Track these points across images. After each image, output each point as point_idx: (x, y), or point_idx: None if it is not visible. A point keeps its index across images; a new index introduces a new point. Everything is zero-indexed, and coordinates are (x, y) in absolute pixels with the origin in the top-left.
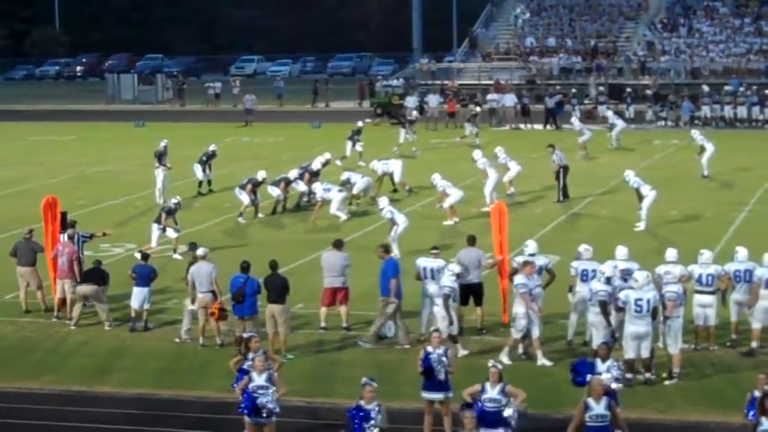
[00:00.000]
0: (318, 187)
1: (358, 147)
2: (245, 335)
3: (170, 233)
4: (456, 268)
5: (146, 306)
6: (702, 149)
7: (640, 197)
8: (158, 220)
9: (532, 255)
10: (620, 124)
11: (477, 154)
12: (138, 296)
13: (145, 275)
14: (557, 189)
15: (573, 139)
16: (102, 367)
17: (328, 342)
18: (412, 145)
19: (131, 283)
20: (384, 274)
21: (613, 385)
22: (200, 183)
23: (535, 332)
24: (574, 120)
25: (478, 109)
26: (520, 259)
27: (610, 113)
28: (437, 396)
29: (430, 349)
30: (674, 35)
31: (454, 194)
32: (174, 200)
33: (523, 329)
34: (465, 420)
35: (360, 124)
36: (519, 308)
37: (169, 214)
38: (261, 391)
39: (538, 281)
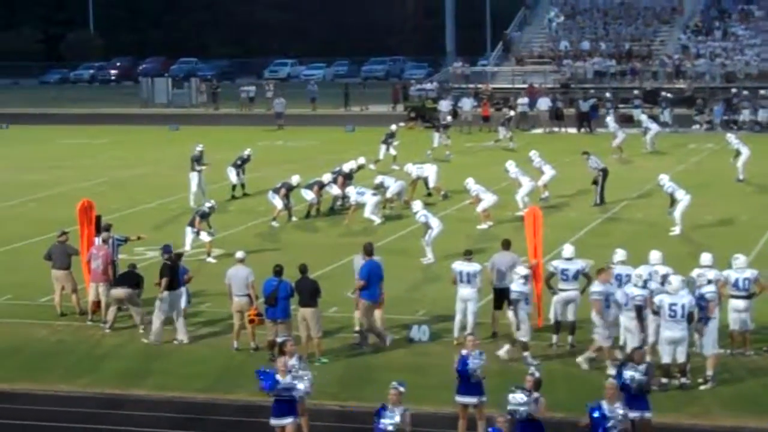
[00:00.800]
0: (351, 191)
1: (392, 150)
2: (279, 339)
3: (204, 237)
4: (523, 270)
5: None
6: (737, 153)
7: (673, 201)
8: (192, 224)
9: (569, 259)
10: (654, 128)
11: (510, 164)
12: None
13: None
14: (595, 192)
15: (607, 143)
16: (136, 370)
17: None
18: (446, 149)
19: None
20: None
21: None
22: (234, 187)
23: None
24: (609, 120)
25: (511, 112)
26: (555, 263)
27: (644, 117)
28: (471, 400)
29: (464, 352)
30: (709, 39)
31: (488, 198)
32: (208, 204)
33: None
34: (498, 423)
35: (393, 127)
36: (596, 316)
37: (203, 217)
38: (287, 394)
39: (575, 285)
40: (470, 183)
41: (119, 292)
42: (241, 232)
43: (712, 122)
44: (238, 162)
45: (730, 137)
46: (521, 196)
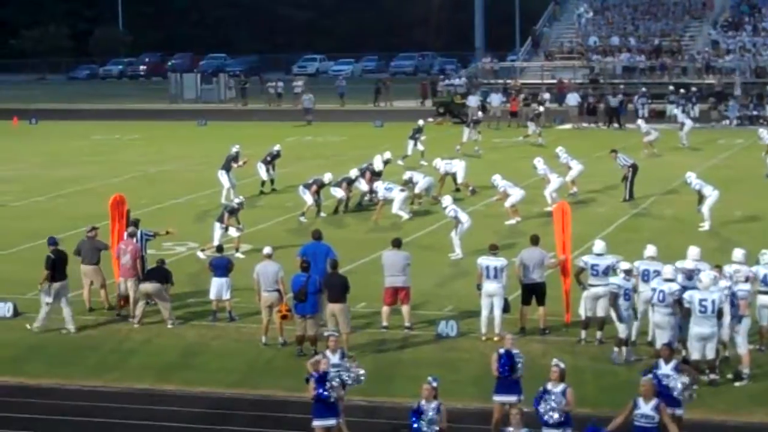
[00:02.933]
0: (380, 187)
1: (420, 146)
2: (326, 334)
3: (232, 232)
4: (625, 265)
5: (226, 296)
6: None
7: (701, 198)
8: (221, 219)
9: (600, 255)
10: (689, 123)
11: (538, 161)
12: (215, 287)
13: (222, 266)
14: (625, 188)
15: (636, 139)
16: (165, 365)
17: (389, 341)
18: (476, 145)
19: (195, 281)
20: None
21: (678, 392)
22: (263, 183)
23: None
24: (641, 122)
25: (541, 108)
26: (585, 258)
27: (678, 112)
28: (511, 398)
29: (502, 350)
30: (739, 34)
31: (515, 194)
32: (237, 200)
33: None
34: (511, 416)
35: (421, 122)
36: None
37: (232, 213)
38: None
39: (605, 281)
40: (497, 179)
41: (148, 286)
42: (270, 226)
43: (729, 118)
44: (268, 158)
45: (762, 132)
46: (549, 192)
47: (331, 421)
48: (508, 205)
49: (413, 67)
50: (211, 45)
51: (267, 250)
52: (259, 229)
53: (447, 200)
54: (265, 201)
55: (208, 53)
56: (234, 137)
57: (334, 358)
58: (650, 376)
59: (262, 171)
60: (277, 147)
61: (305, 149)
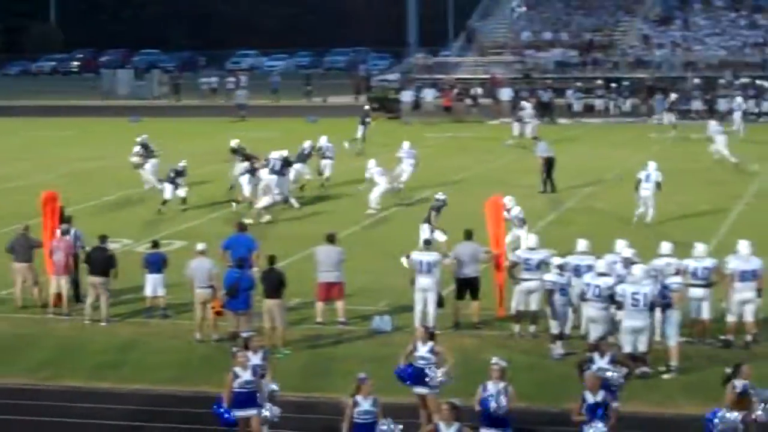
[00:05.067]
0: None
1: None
2: (245, 334)
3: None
4: (558, 260)
5: (160, 293)
6: (712, 140)
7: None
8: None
9: (532, 249)
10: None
11: (371, 163)
12: (150, 283)
13: (156, 262)
14: (541, 180)
15: (566, 133)
16: (99, 362)
17: (324, 337)
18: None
19: (129, 277)
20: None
21: (611, 376)
22: (164, 202)
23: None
24: (526, 110)
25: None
26: (519, 252)
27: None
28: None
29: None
30: (670, 28)
31: (381, 184)
32: (180, 164)
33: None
34: (442, 411)
35: (366, 107)
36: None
37: (178, 175)
38: (249, 386)
39: (538, 275)
40: (371, 164)
41: (95, 279)
42: (203, 224)
43: (655, 111)
44: (171, 175)
45: (712, 124)
46: (375, 196)
47: (251, 411)
48: (375, 195)
49: (347, 62)
50: (145, 41)
51: (200, 246)
52: (192, 226)
53: (372, 163)
54: (198, 197)
55: (142, 49)
56: (167, 133)
57: (256, 359)
58: (595, 369)
59: (167, 191)
60: (182, 163)
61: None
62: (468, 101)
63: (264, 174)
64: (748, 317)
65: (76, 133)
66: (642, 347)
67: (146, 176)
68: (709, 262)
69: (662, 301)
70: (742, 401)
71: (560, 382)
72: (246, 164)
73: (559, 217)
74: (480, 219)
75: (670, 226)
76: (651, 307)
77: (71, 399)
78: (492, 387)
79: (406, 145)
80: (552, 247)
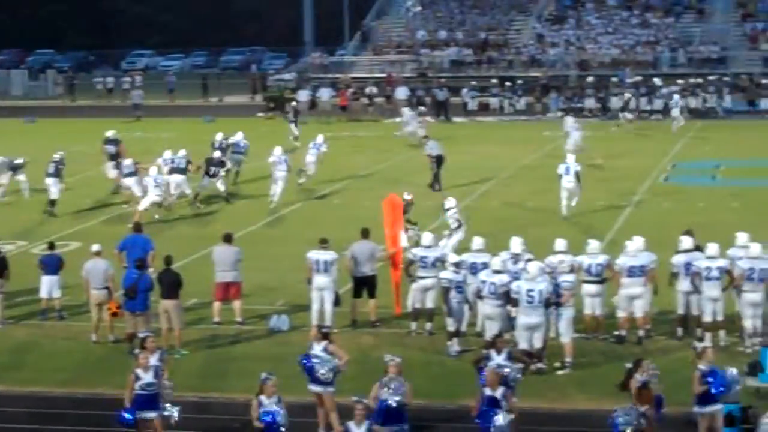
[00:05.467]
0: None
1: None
2: (141, 334)
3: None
4: (454, 258)
5: (56, 294)
6: (568, 135)
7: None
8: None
9: (428, 247)
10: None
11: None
12: (46, 285)
13: (52, 263)
14: (431, 177)
15: (462, 132)
16: None
17: (221, 336)
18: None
19: (24, 279)
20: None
21: (507, 371)
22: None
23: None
24: (405, 110)
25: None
26: (415, 250)
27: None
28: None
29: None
30: (563, 27)
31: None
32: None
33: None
34: (357, 411)
35: (294, 103)
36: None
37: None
38: (150, 389)
39: (434, 273)
40: (277, 151)
41: None
42: (97, 225)
43: (551, 109)
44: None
45: (568, 120)
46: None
47: (152, 414)
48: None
49: (243, 62)
50: (40, 41)
51: (95, 247)
52: (88, 227)
53: (278, 150)
54: (92, 198)
55: (36, 49)
56: (63, 133)
57: (153, 360)
58: (493, 365)
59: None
60: (20, 160)
61: (136, 145)
62: (364, 100)
63: (173, 176)
64: (638, 312)
65: None
66: (537, 344)
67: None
68: (602, 259)
69: (556, 298)
70: (643, 395)
71: (457, 379)
72: (129, 162)
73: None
74: (377, 217)
75: (564, 223)
76: (546, 304)
77: None
78: (388, 381)
79: (278, 150)
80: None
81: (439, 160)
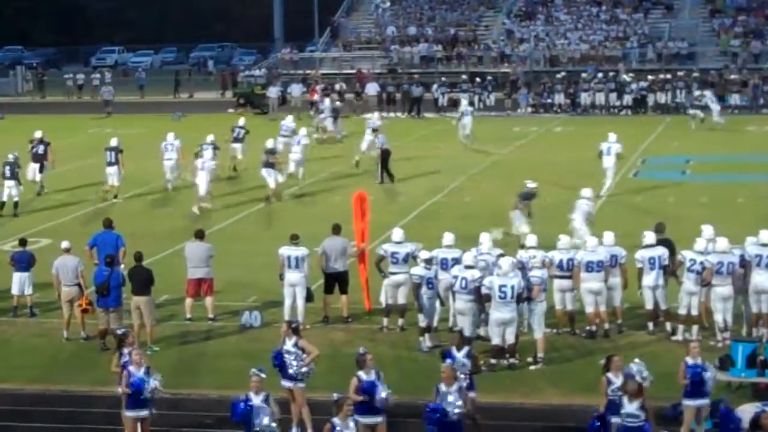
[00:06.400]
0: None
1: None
2: (119, 332)
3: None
4: (424, 254)
5: (28, 291)
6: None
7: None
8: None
9: (399, 242)
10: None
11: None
12: (17, 282)
13: (24, 260)
14: (377, 170)
15: (432, 128)
16: None
17: (193, 333)
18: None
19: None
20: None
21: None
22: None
23: None
24: (327, 101)
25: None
26: (385, 246)
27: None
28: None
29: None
30: (533, 23)
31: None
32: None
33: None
34: (345, 408)
35: (338, 102)
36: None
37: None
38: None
39: (405, 268)
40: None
41: None
42: (67, 221)
43: (519, 105)
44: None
45: (463, 102)
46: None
47: (143, 413)
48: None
49: (213, 58)
50: (8, 37)
51: (65, 244)
52: (59, 224)
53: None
54: (62, 195)
55: (4, 46)
56: (32, 130)
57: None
58: (450, 361)
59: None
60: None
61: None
62: (334, 96)
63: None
64: (601, 307)
65: None
66: (510, 339)
67: None
68: (573, 254)
69: (528, 293)
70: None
71: (428, 375)
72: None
73: (425, 211)
74: (348, 213)
75: (536, 218)
76: (518, 300)
77: None
78: (365, 376)
79: (302, 130)
80: (419, 240)
81: (386, 154)
